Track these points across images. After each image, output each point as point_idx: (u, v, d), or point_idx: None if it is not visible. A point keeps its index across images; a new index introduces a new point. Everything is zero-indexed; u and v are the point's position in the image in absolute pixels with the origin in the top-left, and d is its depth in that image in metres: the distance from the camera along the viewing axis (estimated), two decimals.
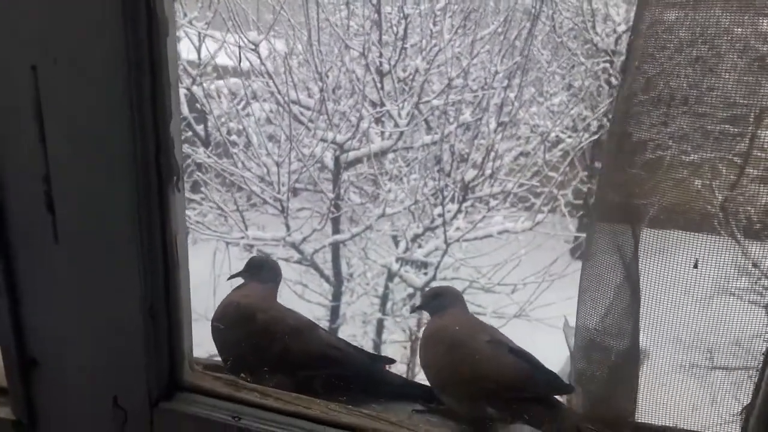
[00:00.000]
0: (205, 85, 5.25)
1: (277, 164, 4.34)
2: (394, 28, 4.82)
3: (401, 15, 4.63)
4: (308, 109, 4.46)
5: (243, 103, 5.18)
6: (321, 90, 4.34)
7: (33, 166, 0.83)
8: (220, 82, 6.00)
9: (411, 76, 4.73)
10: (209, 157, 4.90)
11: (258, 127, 4.94)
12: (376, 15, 4.49)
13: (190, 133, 5.69)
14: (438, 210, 4.75)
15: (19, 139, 0.83)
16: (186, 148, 5.23)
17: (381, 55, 4.41)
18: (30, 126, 0.81)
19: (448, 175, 4.74)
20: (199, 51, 5.41)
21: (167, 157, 0.85)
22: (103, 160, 0.82)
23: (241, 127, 4.99)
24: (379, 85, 4.40)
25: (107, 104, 0.80)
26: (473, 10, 7.00)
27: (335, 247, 4.78)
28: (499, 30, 7.62)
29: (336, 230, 4.76)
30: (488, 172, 4.96)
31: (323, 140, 4.38)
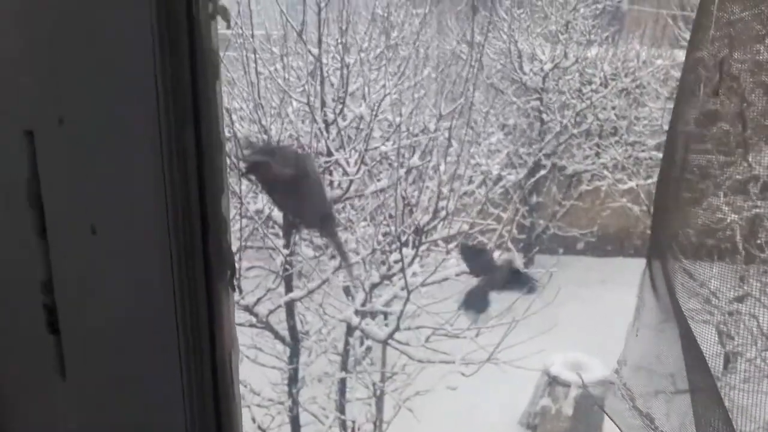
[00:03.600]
0: None
1: None
2: (334, 78, 4.78)
3: (342, 64, 4.59)
4: None
5: None
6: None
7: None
8: None
9: (357, 124, 4.67)
10: None
11: None
12: (315, 64, 4.44)
13: None
14: (394, 257, 4.63)
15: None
16: None
17: (324, 104, 4.33)
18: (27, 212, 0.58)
19: (402, 220, 4.66)
20: None
21: (218, 242, 0.61)
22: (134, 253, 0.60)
23: None
24: (325, 135, 4.30)
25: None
26: (405, 58, 7.11)
27: (289, 306, 4.55)
28: (433, 75, 7.77)
29: (289, 288, 4.54)
30: (442, 214, 4.92)
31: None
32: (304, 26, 4.42)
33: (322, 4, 4.21)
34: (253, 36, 5.12)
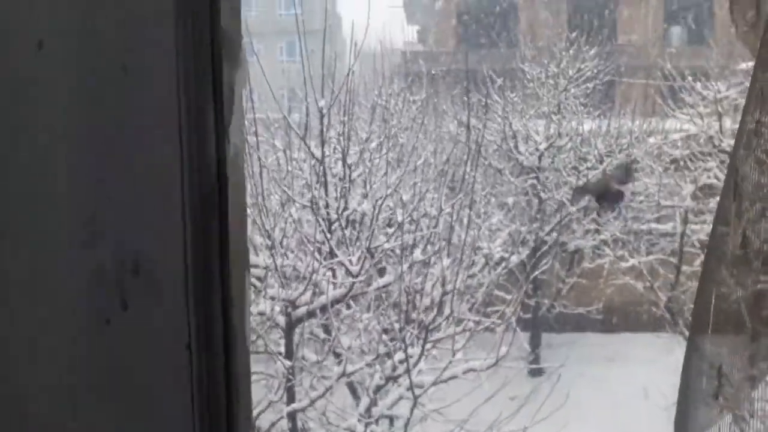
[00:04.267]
0: None
1: None
2: (338, 178, 4.87)
3: (343, 164, 4.69)
4: (255, 266, 4.31)
5: None
6: (270, 247, 4.22)
7: None
8: None
9: (359, 221, 4.71)
10: None
11: None
12: (318, 164, 4.53)
13: None
14: (399, 356, 4.54)
15: None
16: None
17: (327, 206, 4.39)
18: None
19: (407, 318, 4.61)
20: None
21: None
22: None
23: None
24: (328, 235, 4.33)
25: None
26: (405, 145, 7.27)
27: (292, 416, 4.40)
28: (431, 160, 7.92)
29: (291, 398, 4.39)
30: (446, 311, 4.86)
31: (273, 298, 4.19)
32: (308, 130, 4.55)
33: (324, 110, 4.35)
34: (255, 120, 5.25)
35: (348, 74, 4.41)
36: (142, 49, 0.59)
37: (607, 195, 7.97)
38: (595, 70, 10.38)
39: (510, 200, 9.65)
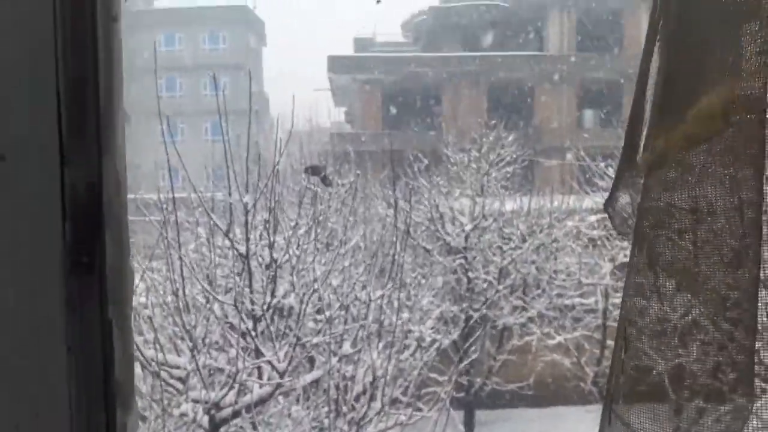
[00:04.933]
0: None
1: None
2: (263, 266, 4.79)
3: (270, 259, 4.63)
4: (177, 367, 4.07)
5: None
6: (191, 348, 4.02)
7: None
8: None
9: (286, 316, 4.61)
10: None
11: None
12: (243, 262, 4.45)
13: None
14: None
15: None
16: None
17: (253, 303, 4.28)
18: None
19: (337, 411, 4.46)
20: None
21: None
22: None
23: None
24: (253, 333, 4.20)
25: None
26: (333, 230, 7.30)
27: None
28: (361, 244, 7.98)
29: None
30: (376, 405, 4.76)
31: (196, 401, 3.95)
32: (231, 225, 4.49)
33: (249, 206, 4.33)
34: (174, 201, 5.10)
35: (273, 171, 4.45)
36: None
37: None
38: (514, 155, 11.01)
39: (440, 280, 9.80)
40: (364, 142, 24.39)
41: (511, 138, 11.35)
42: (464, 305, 9.73)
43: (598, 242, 9.54)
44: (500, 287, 9.84)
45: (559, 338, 8.93)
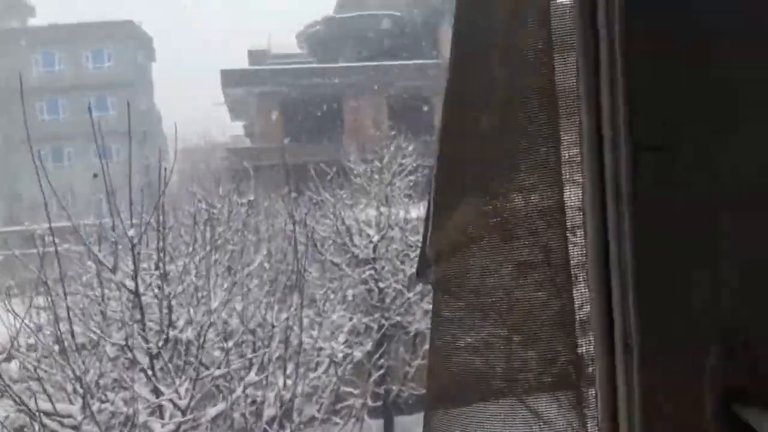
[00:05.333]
0: None
1: None
2: (157, 299, 4.51)
3: (162, 295, 4.37)
4: (69, 416, 3.72)
5: None
6: (83, 395, 3.68)
7: None
8: None
9: (185, 349, 4.37)
10: None
11: None
12: (133, 300, 4.16)
13: None
14: None
15: None
16: None
17: (148, 341, 4.01)
18: None
19: None
20: None
21: None
22: None
23: None
24: (150, 372, 3.94)
25: None
26: (235, 252, 7.07)
27: None
28: (266, 265, 7.78)
29: None
30: (288, 427, 4.62)
31: None
32: (117, 261, 4.20)
33: (135, 240, 4.07)
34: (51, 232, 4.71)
35: (159, 201, 4.21)
36: None
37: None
38: (415, 164, 11.21)
39: (350, 293, 9.76)
40: (264, 157, 23.93)
41: (411, 148, 11.55)
42: (376, 315, 9.75)
43: None
44: (410, 294, 9.96)
45: (469, 339, 9.15)
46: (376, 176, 10.89)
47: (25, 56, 42.95)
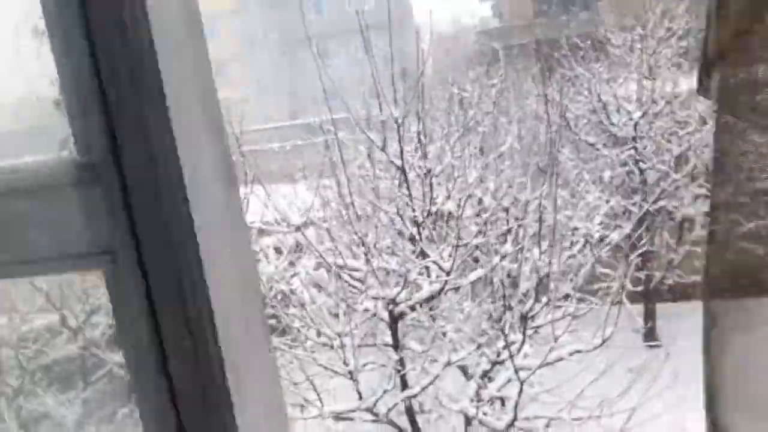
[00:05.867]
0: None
1: (339, 335, 4.34)
2: (421, 176, 4.97)
3: (425, 162, 4.78)
4: (356, 270, 4.54)
5: (291, 271, 5.34)
6: (365, 253, 4.42)
7: None
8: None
9: (445, 221, 4.79)
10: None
11: (308, 289, 5.02)
12: (399, 176, 4.65)
13: None
14: (501, 343, 4.60)
15: None
16: None
17: (414, 210, 4.51)
18: None
19: (505, 307, 4.64)
20: None
21: None
22: None
23: (290, 289, 5.09)
24: (417, 237, 4.46)
25: None
26: (487, 134, 7.22)
27: (408, 402, 4.61)
28: (515, 145, 7.80)
29: (404, 385, 4.62)
30: (543, 299, 4.84)
31: (375, 298, 4.40)
32: (386, 140, 4.69)
33: (400, 119, 4.46)
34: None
35: (417, 82, 4.49)
36: None
37: None
38: (687, 27, 9.71)
39: (607, 174, 9.30)
40: (513, 35, 23.01)
41: (682, 8, 9.96)
42: (638, 198, 9.18)
43: None
44: (677, 176, 9.08)
45: (749, 225, 8.08)
46: (638, 45, 9.76)
47: None
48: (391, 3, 5.52)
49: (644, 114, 9.28)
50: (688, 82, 9.65)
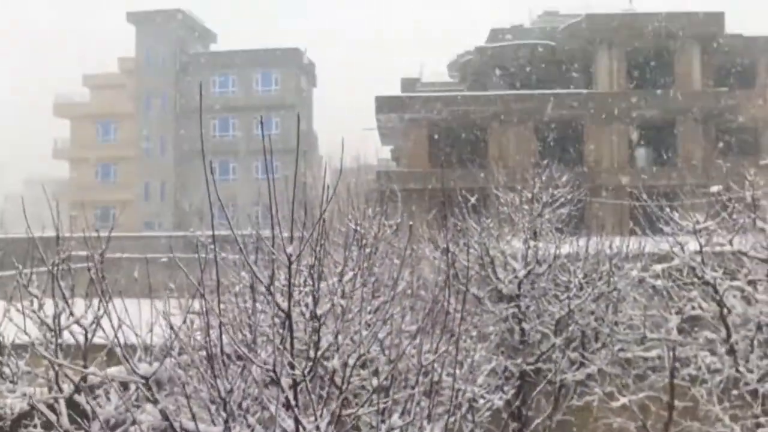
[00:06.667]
0: None
1: None
2: (306, 321, 4.41)
3: (312, 314, 4.24)
4: None
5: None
6: (225, 420, 3.62)
7: None
8: None
9: (327, 383, 4.17)
10: None
11: None
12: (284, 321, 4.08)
13: None
14: None
15: None
16: None
17: (293, 367, 3.87)
18: None
19: None
20: None
21: None
22: None
23: None
24: (292, 401, 3.79)
25: None
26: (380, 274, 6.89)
27: None
28: (408, 291, 7.51)
29: None
30: None
31: None
32: (273, 278, 4.16)
33: (293, 258, 3.98)
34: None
35: (320, 219, 4.10)
36: None
37: None
38: (569, 196, 10.41)
39: (491, 329, 9.20)
40: (410, 181, 24.12)
41: (564, 178, 10.75)
42: (519, 360, 9.08)
43: (664, 293, 8.74)
44: (557, 340, 9.15)
45: (623, 399, 8.15)
46: (525, 207, 10.25)
47: (205, 78, 47.78)
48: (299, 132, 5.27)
49: (528, 273, 9.49)
50: (569, 248, 10.13)
